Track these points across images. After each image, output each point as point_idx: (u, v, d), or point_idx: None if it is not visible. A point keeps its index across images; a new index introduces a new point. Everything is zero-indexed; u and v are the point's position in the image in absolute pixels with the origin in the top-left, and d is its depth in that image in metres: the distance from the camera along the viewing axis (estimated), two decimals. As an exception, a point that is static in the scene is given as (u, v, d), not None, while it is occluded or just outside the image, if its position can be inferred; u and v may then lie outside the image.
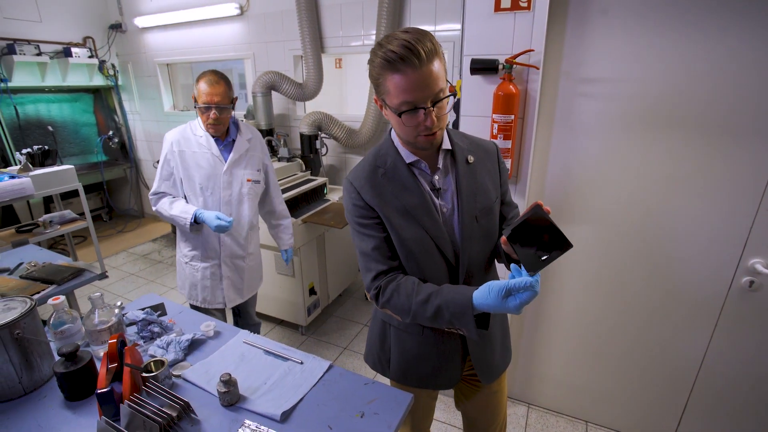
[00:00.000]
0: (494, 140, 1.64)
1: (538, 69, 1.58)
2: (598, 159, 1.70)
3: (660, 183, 1.61)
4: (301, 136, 3.12)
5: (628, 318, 1.82)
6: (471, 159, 1.07)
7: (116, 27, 4.34)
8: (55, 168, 1.71)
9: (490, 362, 1.21)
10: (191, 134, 1.79)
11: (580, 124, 1.69)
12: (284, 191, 2.67)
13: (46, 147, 1.73)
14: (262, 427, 1.03)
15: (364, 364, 2.54)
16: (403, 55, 0.86)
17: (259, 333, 2.17)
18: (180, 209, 1.76)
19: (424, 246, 1.03)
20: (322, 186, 2.96)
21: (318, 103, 3.54)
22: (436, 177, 1.05)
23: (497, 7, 1.60)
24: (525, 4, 1.56)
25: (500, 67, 1.61)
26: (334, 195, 3.04)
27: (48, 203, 4.15)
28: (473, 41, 1.69)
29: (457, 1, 2.76)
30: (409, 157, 1.04)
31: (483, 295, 0.89)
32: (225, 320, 2.10)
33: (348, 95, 4.91)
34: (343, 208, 2.76)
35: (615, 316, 1.85)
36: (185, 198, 1.83)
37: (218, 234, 1.87)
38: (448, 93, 0.93)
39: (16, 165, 2.12)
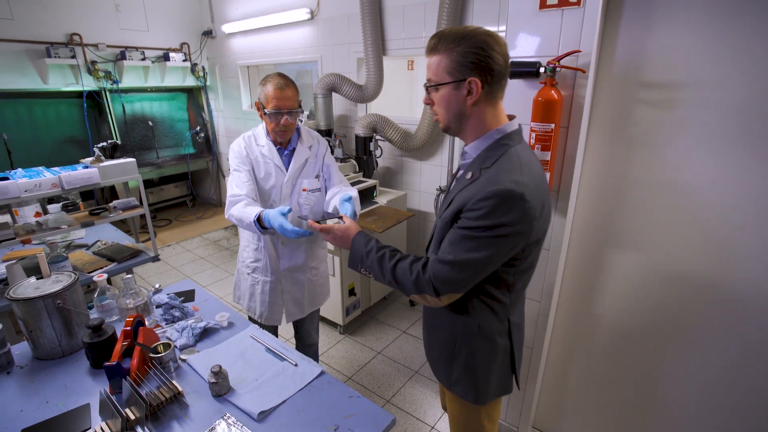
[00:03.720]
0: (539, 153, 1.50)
1: (585, 72, 1.41)
2: (658, 175, 1.47)
3: (736, 207, 1.35)
4: (356, 137, 3.16)
5: (682, 366, 1.55)
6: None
7: (207, 33, 4.80)
8: (120, 161, 1.96)
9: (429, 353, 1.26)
10: (254, 144, 1.68)
11: (637, 134, 1.48)
12: (331, 191, 2.73)
13: (118, 141, 1.99)
14: (239, 423, 1.05)
15: (392, 373, 2.50)
16: None
17: (317, 355, 2.09)
18: (250, 209, 1.52)
19: None
20: (372, 188, 2.97)
21: (381, 104, 3.55)
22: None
23: (543, 4, 1.46)
24: (574, 0, 1.40)
25: (542, 70, 1.46)
26: (384, 198, 3.03)
27: (149, 186, 4.84)
28: (515, 42, 1.56)
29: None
30: None
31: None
32: (276, 335, 1.93)
33: (418, 97, 4.89)
34: (389, 212, 2.75)
35: (667, 364, 1.59)
36: None
37: (279, 246, 1.75)
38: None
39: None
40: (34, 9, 3.72)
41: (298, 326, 2.03)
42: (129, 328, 1.26)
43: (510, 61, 1.10)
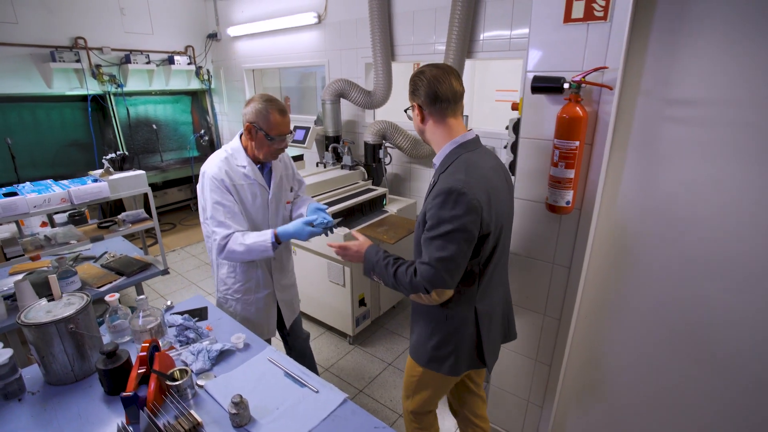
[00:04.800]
0: (554, 167, 1.46)
1: (611, 89, 1.37)
2: (683, 194, 1.43)
3: (764, 227, 1.31)
4: (365, 144, 3.12)
5: (703, 384, 1.52)
6: None
7: (212, 36, 4.76)
8: (129, 173, 1.92)
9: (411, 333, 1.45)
10: (235, 165, 1.58)
11: (662, 152, 1.44)
12: (343, 200, 2.69)
13: (126, 153, 1.94)
14: (261, 459, 1.01)
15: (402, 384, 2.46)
16: None
17: (308, 342, 2.15)
18: (255, 236, 1.53)
19: None
20: (382, 197, 2.93)
21: (388, 110, 3.51)
22: None
23: (567, 18, 1.42)
24: (600, 14, 1.36)
25: (566, 86, 1.42)
26: (393, 206, 3.00)
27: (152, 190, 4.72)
28: (538, 56, 1.52)
29: (537, 6, 2.54)
30: None
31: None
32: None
33: None
34: (399, 221, 2.71)
35: (688, 383, 1.55)
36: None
37: (269, 261, 1.76)
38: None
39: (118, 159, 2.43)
40: (38, 13, 3.68)
41: (289, 329, 2.02)
42: (145, 353, 1.22)
43: (534, 75, 1.30)
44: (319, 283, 2.80)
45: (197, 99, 5.21)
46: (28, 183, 1.89)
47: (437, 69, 1.21)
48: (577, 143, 1.41)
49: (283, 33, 4.04)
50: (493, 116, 3.84)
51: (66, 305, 1.32)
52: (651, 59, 1.38)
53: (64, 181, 1.95)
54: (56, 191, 1.81)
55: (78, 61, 3.89)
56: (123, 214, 2.10)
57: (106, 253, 2.22)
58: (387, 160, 3.16)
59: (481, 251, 1.20)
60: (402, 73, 3.35)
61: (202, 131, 5.11)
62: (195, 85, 4.93)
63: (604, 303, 1.71)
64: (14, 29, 3.57)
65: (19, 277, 1.80)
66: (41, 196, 1.76)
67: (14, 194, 1.76)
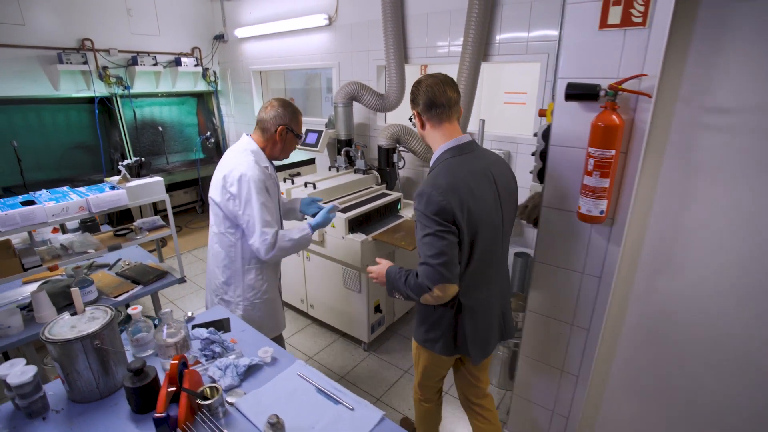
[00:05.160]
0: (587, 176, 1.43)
1: (650, 97, 1.34)
2: (720, 206, 1.40)
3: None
4: (379, 148, 3.09)
5: (737, 396, 1.49)
6: None
7: (219, 38, 4.71)
8: (147, 180, 1.87)
9: None
10: (261, 166, 1.67)
11: (698, 161, 1.41)
12: (358, 205, 2.66)
13: (142, 159, 1.90)
14: (302, 484, 0.98)
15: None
16: None
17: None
18: (297, 231, 1.71)
19: None
20: (396, 202, 2.89)
21: (398, 113, 3.48)
22: None
23: (603, 23, 1.39)
24: (639, 20, 1.32)
25: (602, 93, 1.39)
26: (408, 212, 2.96)
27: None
28: (571, 62, 1.48)
29: (555, 6, 2.51)
30: None
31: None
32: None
33: None
34: (414, 225, 2.67)
35: (721, 396, 1.52)
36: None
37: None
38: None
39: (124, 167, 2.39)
40: (45, 15, 3.63)
41: None
42: (174, 371, 1.18)
43: (568, 82, 1.33)
44: (334, 289, 2.76)
45: (203, 101, 5.17)
46: (44, 191, 1.84)
47: (433, 78, 1.35)
48: (613, 152, 1.38)
49: (292, 35, 4.00)
50: (502, 118, 3.80)
51: (90, 320, 1.28)
52: (690, 66, 1.35)
53: (81, 188, 1.91)
54: (74, 199, 1.77)
55: (85, 62, 3.85)
56: (139, 221, 2.06)
57: (120, 260, 2.18)
58: (401, 164, 3.12)
59: (461, 254, 1.31)
60: (413, 76, 3.30)
61: (209, 133, 5.07)
62: (201, 86, 4.89)
63: (632, 313, 1.68)
64: (21, 31, 3.52)
65: (34, 286, 1.75)
66: (59, 205, 1.72)
67: (31, 202, 1.72)
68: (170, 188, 5.01)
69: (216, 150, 5.31)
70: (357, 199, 2.81)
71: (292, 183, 2.79)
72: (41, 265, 1.73)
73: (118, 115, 4.25)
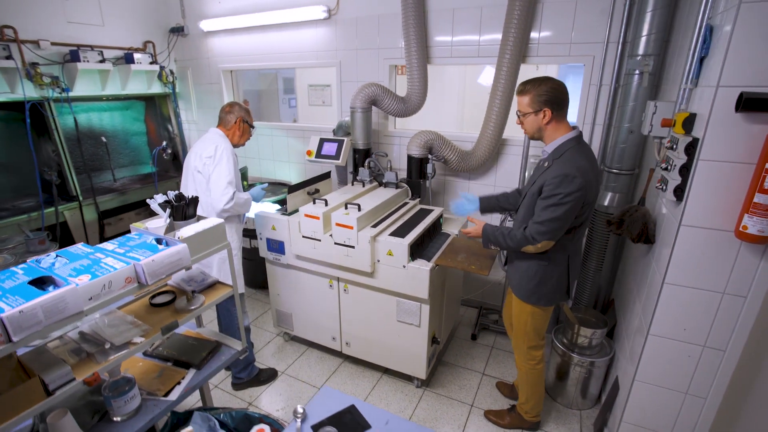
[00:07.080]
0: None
1: None
2: None
3: None
4: (410, 158, 2.76)
5: None
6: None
7: (177, 30, 3.99)
8: (206, 225, 1.30)
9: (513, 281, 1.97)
10: (231, 147, 2.24)
11: None
12: (407, 227, 2.32)
13: (195, 194, 1.34)
14: None
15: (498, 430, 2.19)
16: None
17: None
18: (245, 194, 2.27)
19: None
20: (439, 218, 2.59)
21: (410, 118, 3.16)
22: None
23: (787, 25, 1.24)
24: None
25: (788, 103, 1.25)
26: (452, 227, 2.66)
27: (105, 216, 3.82)
28: (739, 69, 1.32)
29: (600, 5, 2.39)
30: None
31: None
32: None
33: (469, 110, 4.63)
34: (472, 246, 2.40)
35: None
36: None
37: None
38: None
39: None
40: (-52, -6, 2.73)
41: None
42: None
43: (742, 91, 1.25)
44: (383, 323, 2.40)
45: (154, 105, 4.36)
46: (51, 253, 1.21)
47: (554, 81, 1.66)
48: (803, 169, 1.25)
49: (278, 29, 3.48)
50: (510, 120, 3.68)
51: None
52: None
53: (109, 245, 1.29)
54: (117, 267, 1.09)
55: (8, 57, 2.98)
56: (178, 277, 1.48)
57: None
58: (432, 174, 2.82)
59: (578, 217, 1.68)
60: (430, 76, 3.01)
61: (164, 143, 4.28)
62: (157, 88, 4.11)
63: (774, 332, 1.60)
64: None
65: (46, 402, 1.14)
66: (98, 281, 1.05)
67: (50, 281, 1.04)
68: (122, 210, 4.18)
69: (173, 162, 4.53)
70: (401, 218, 2.47)
71: (326, 204, 2.36)
72: (73, 380, 1.12)
73: (52, 124, 3.38)
